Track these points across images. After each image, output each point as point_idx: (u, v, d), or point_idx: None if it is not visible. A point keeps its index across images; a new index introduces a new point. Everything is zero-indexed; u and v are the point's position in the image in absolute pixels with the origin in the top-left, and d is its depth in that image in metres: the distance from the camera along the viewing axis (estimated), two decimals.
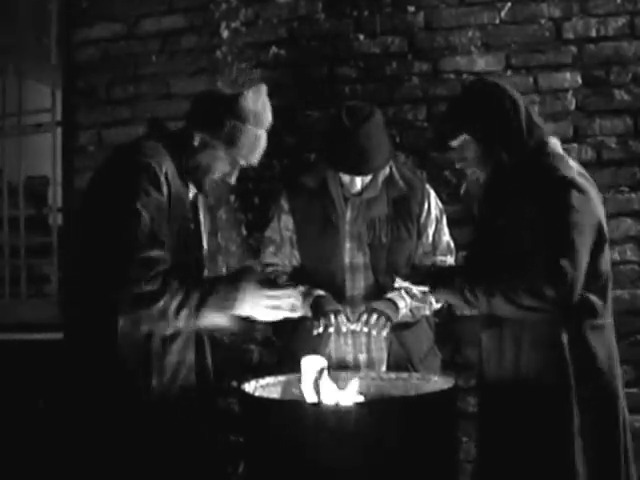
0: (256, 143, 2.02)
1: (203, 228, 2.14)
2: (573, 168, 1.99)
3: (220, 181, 2.05)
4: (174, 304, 1.81)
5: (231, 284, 1.90)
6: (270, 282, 2.02)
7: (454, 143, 2.11)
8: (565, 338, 1.94)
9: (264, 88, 2.05)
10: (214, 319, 1.88)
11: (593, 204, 1.95)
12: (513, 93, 2.08)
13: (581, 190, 1.93)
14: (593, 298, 1.96)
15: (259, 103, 2.01)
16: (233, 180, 2.07)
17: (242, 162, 2.03)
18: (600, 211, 1.99)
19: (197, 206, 2.13)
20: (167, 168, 1.92)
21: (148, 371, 1.89)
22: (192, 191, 2.08)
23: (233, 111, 1.97)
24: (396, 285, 2.24)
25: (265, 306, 1.93)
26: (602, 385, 1.95)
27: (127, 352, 1.87)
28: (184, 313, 1.83)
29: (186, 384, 1.99)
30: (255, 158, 2.05)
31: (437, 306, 2.51)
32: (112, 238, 1.82)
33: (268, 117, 2.05)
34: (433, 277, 2.13)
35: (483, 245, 2.09)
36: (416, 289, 2.23)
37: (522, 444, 1.95)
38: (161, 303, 1.80)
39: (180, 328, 1.89)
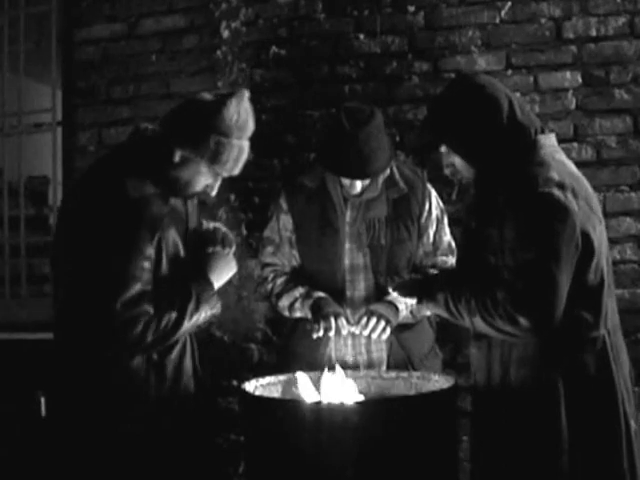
0: (240, 155, 1.94)
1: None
2: (552, 180, 1.84)
3: (201, 194, 2.01)
4: (152, 339, 1.84)
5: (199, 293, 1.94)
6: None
7: (441, 149, 2.05)
8: (554, 357, 1.87)
9: (246, 94, 1.94)
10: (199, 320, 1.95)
11: (573, 218, 1.80)
12: (490, 91, 1.94)
13: (558, 206, 1.80)
14: (583, 313, 1.86)
15: (242, 112, 1.91)
16: (214, 193, 2.01)
17: (224, 174, 1.97)
18: (586, 219, 1.86)
19: (188, 211, 2.08)
20: (153, 207, 1.87)
21: (147, 382, 1.90)
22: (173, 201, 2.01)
23: (216, 126, 1.87)
24: (389, 297, 2.25)
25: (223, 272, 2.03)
26: (595, 399, 1.87)
27: (127, 368, 1.89)
28: (161, 340, 1.87)
29: (186, 389, 2.00)
30: (238, 169, 1.97)
31: None
32: (96, 279, 1.80)
33: (251, 125, 1.95)
34: (419, 290, 2.09)
35: (468, 253, 2.04)
36: (406, 300, 2.22)
37: (512, 454, 1.90)
38: (142, 345, 1.84)
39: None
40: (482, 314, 1.86)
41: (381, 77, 3.19)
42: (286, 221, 2.52)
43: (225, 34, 3.35)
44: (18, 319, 3.55)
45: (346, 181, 2.41)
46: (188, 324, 1.90)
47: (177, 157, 1.89)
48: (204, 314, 1.94)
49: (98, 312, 1.79)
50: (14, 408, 3.32)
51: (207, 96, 1.95)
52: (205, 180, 1.96)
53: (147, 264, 1.84)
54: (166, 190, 1.95)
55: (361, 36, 3.22)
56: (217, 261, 2.04)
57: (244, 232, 3.29)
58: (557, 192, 1.82)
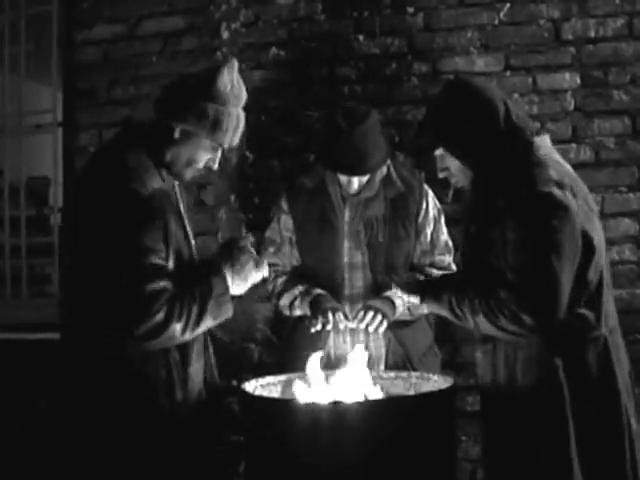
0: (238, 124, 1.93)
1: (186, 220, 2.01)
2: (551, 180, 1.86)
3: (203, 170, 1.98)
4: (179, 327, 1.78)
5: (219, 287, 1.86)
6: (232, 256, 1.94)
7: (435, 153, 2.06)
8: (558, 357, 1.88)
9: (236, 63, 1.94)
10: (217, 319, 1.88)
11: (573, 217, 1.83)
12: (488, 94, 1.96)
13: (558, 205, 1.82)
14: (584, 312, 1.88)
15: (235, 80, 1.91)
16: (216, 166, 1.99)
17: (225, 145, 1.94)
18: (586, 218, 1.88)
19: (177, 198, 2.01)
20: (151, 183, 1.82)
21: (171, 385, 1.86)
22: (169, 183, 1.96)
23: (213, 95, 1.87)
24: (392, 292, 2.25)
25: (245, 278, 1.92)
26: (598, 399, 1.88)
27: (146, 370, 1.83)
28: (189, 330, 1.80)
29: (202, 388, 1.99)
30: (237, 139, 1.96)
31: None
32: (114, 272, 1.73)
33: (245, 93, 1.96)
34: (423, 289, 2.10)
35: (470, 256, 2.05)
36: (408, 298, 2.21)
37: (522, 457, 1.91)
38: (168, 331, 1.76)
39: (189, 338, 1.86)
40: (486, 313, 1.88)
41: (380, 78, 3.20)
42: (287, 221, 2.55)
43: (225, 35, 3.36)
44: (18, 319, 3.56)
45: (343, 179, 2.43)
46: (209, 321, 1.83)
47: (177, 133, 1.87)
48: (213, 319, 1.86)
49: (119, 294, 1.71)
50: (14, 408, 3.33)
51: (196, 71, 1.94)
52: (206, 154, 1.93)
53: (159, 257, 1.78)
54: (167, 172, 1.91)
55: (361, 37, 3.23)
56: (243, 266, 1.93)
57: (244, 232, 3.30)
58: (557, 191, 1.84)
